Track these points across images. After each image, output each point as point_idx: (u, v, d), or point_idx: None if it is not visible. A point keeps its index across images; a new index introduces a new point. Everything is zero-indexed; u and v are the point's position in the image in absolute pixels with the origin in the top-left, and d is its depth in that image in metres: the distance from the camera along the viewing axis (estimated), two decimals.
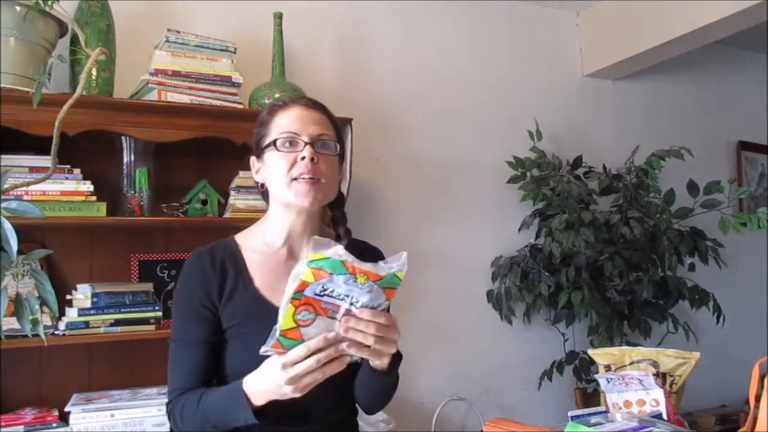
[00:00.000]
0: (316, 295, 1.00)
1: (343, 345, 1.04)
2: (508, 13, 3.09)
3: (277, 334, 1.02)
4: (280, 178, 1.21)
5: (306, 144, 1.20)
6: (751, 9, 2.53)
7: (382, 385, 1.22)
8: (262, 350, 1.03)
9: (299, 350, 1.02)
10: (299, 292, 0.99)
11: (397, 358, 1.15)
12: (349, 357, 1.07)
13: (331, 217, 1.36)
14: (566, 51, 3.24)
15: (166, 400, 1.25)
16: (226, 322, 1.24)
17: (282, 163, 1.20)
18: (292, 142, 1.21)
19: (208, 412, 1.16)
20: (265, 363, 1.08)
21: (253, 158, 1.32)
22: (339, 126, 1.32)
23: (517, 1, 3.11)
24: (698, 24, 2.70)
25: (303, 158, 1.19)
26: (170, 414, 1.24)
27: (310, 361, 1.02)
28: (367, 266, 1.01)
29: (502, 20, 3.07)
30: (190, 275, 1.27)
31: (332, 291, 1.01)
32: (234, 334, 1.23)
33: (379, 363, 1.12)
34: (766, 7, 2.51)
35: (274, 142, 1.21)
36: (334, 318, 1.03)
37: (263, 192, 1.33)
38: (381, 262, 1.03)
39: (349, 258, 1.00)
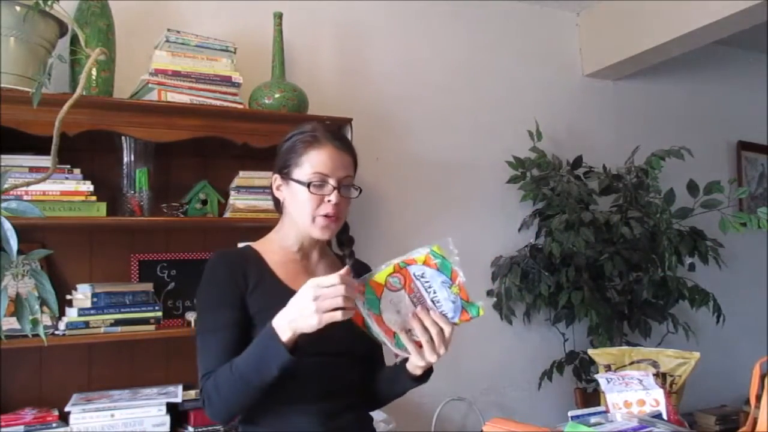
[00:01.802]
0: (414, 275, 1.16)
1: (403, 334, 1.18)
2: (508, 13, 3.09)
3: (366, 280, 1.16)
4: (305, 213, 1.35)
5: (334, 189, 1.34)
6: (751, 9, 2.53)
7: (403, 387, 1.35)
8: None
9: (331, 277, 1.13)
10: (405, 263, 1.16)
11: (429, 370, 1.30)
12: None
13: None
14: (566, 51, 3.24)
15: (199, 388, 1.29)
16: (253, 308, 1.31)
17: (310, 201, 1.34)
18: (322, 184, 1.34)
19: (241, 365, 1.21)
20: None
21: (276, 175, 1.42)
22: (357, 162, 1.46)
23: (517, 1, 3.11)
24: (698, 24, 2.70)
25: (329, 201, 1.34)
26: (203, 393, 1.26)
27: (340, 288, 1.12)
28: (464, 285, 1.18)
29: (501, 20, 3.07)
30: (217, 267, 1.36)
31: (428, 282, 1.17)
32: (261, 319, 1.30)
33: (417, 365, 1.25)
34: (766, 7, 2.51)
35: (308, 185, 1.33)
36: (413, 302, 1.18)
37: (278, 206, 1.45)
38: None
39: (458, 270, 1.17)
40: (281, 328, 1.17)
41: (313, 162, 1.34)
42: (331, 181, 1.34)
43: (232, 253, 1.42)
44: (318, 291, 1.12)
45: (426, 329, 1.17)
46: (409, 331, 1.18)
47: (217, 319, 1.30)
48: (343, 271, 1.15)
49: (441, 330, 1.18)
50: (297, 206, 1.36)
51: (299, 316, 1.14)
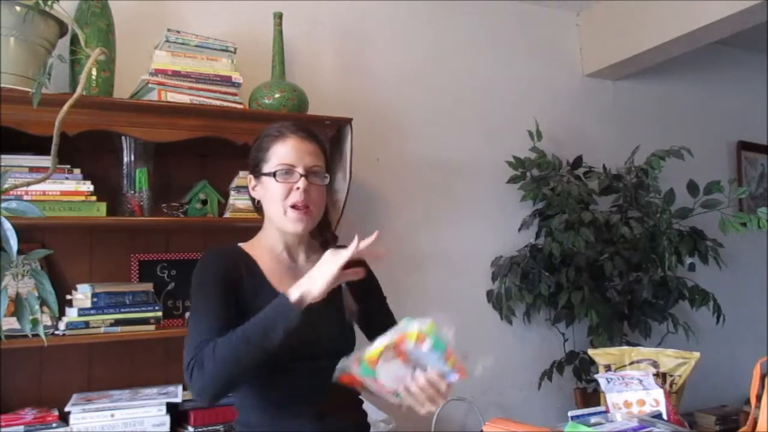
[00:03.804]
0: (407, 350, 1.13)
1: (403, 391, 1.17)
2: (508, 13, 3.09)
3: (362, 356, 1.15)
4: (277, 204, 1.36)
5: (301, 176, 1.34)
6: (751, 9, 2.53)
7: None
8: (339, 365, 1.16)
9: (349, 249, 1.22)
10: (396, 344, 1.13)
11: None
12: None
13: (319, 223, 1.47)
14: (566, 51, 3.24)
15: (187, 361, 1.23)
16: (242, 304, 1.31)
17: (279, 191, 1.35)
18: (288, 172, 1.35)
19: (247, 328, 1.20)
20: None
21: (250, 176, 1.44)
22: (328, 152, 1.46)
23: (517, 1, 3.11)
24: (698, 24, 2.70)
25: (298, 188, 1.34)
26: (194, 365, 1.21)
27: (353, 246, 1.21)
28: (460, 358, 1.14)
29: (502, 20, 3.07)
30: (208, 261, 1.37)
31: (422, 354, 1.13)
32: (249, 317, 1.30)
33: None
34: (766, 7, 2.51)
35: (273, 174, 1.35)
36: (408, 366, 1.15)
37: (258, 207, 1.46)
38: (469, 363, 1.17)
39: (453, 350, 1.13)
40: (291, 293, 1.20)
41: (279, 154, 1.36)
42: (298, 169, 1.35)
43: (225, 249, 1.42)
44: (332, 256, 1.20)
45: (423, 389, 1.16)
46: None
47: (210, 299, 1.29)
48: (370, 238, 1.22)
49: (437, 389, 1.16)
50: (269, 200, 1.37)
51: (310, 280, 1.20)
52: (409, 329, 1.13)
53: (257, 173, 1.40)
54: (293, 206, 1.34)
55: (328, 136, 2.15)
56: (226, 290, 1.31)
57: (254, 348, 1.18)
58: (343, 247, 1.50)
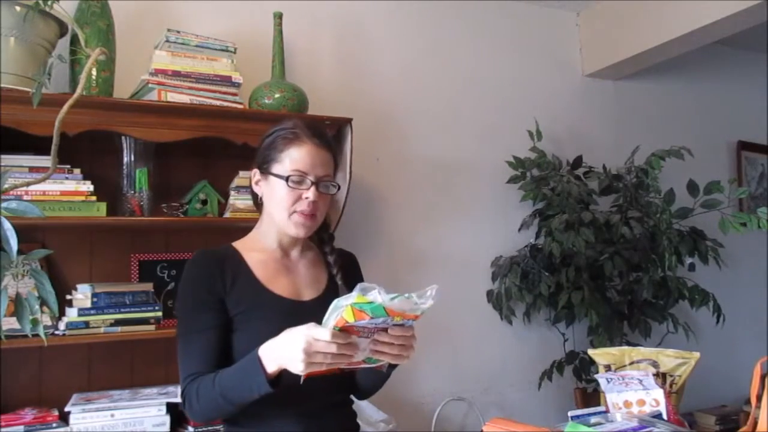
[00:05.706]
0: (353, 324, 1.11)
1: (374, 355, 1.17)
2: (508, 13, 3.09)
3: None
4: (282, 209, 1.36)
5: (312, 184, 1.34)
6: (751, 9, 2.53)
7: (382, 376, 1.35)
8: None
9: (324, 332, 1.11)
10: (338, 327, 1.11)
11: None
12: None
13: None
14: (566, 51, 3.24)
15: (180, 390, 1.30)
16: (232, 309, 1.33)
17: (288, 197, 1.34)
18: (300, 180, 1.34)
19: (223, 384, 1.23)
20: (290, 329, 1.17)
21: (255, 170, 1.43)
22: (338, 158, 1.48)
23: (517, 1, 3.11)
24: (698, 24, 2.70)
25: (307, 198, 1.34)
26: (185, 398, 1.28)
27: (332, 347, 1.12)
28: (404, 307, 1.11)
29: (502, 20, 3.07)
30: (194, 269, 1.36)
31: (370, 321, 1.11)
32: (240, 320, 1.33)
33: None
34: (766, 7, 2.51)
35: (286, 178, 1.34)
36: (367, 336, 1.15)
37: (257, 202, 1.45)
38: (414, 298, 1.12)
39: (390, 304, 1.09)
40: (267, 360, 1.19)
41: (293, 158, 1.35)
42: (310, 178, 1.35)
43: (210, 253, 1.40)
44: (311, 345, 1.12)
45: (391, 343, 1.17)
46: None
47: (196, 322, 1.31)
48: (339, 334, 1.12)
49: (404, 336, 1.18)
50: (274, 201, 1.37)
51: (287, 358, 1.15)
52: (343, 311, 1.10)
53: (265, 170, 1.39)
54: (298, 212, 1.35)
55: None
56: (212, 308, 1.32)
57: (232, 403, 1.24)
58: (341, 249, 1.53)
